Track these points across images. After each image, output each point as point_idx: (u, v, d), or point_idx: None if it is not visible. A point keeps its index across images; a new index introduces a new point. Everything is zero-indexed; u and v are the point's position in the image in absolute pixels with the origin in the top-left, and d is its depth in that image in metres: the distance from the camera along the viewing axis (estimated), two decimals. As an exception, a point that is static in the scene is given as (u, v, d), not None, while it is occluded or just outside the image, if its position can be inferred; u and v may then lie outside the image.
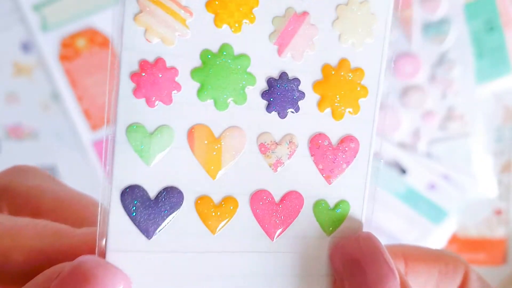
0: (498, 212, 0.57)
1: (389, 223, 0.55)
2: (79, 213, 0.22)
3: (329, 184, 0.21)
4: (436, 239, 0.56)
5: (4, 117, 0.55)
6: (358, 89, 0.21)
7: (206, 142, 0.20)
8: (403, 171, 0.55)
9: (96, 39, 0.55)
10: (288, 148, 0.21)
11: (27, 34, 0.55)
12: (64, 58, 0.55)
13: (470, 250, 0.57)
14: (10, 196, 0.23)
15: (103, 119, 0.51)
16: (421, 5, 0.54)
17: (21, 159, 0.55)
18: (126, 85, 0.19)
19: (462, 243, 0.57)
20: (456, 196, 0.55)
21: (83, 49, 0.55)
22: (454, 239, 0.57)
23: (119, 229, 0.19)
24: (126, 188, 0.19)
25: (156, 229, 0.19)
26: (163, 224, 0.20)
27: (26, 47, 0.55)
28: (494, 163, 0.56)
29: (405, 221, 0.55)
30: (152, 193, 0.19)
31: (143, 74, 0.19)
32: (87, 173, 0.55)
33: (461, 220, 0.56)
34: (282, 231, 0.21)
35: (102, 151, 0.20)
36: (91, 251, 0.19)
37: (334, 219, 0.21)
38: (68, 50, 0.54)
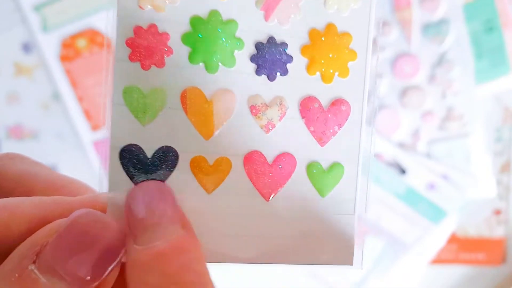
0: (497, 212, 0.57)
1: (388, 223, 0.55)
2: (71, 194, 0.22)
3: (322, 146, 0.22)
4: (436, 239, 0.56)
5: (4, 117, 0.55)
6: (346, 52, 0.21)
7: (198, 103, 0.21)
8: (402, 171, 0.55)
9: (97, 40, 0.55)
10: (278, 110, 0.21)
11: (27, 35, 0.55)
12: (64, 58, 0.55)
13: (469, 250, 0.57)
14: (0, 181, 0.23)
15: (104, 120, 0.51)
16: (420, 5, 0.54)
17: (22, 159, 0.55)
18: (122, 50, 0.20)
19: (461, 243, 0.57)
20: (455, 196, 0.55)
21: (84, 50, 0.55)
22: (453, 239, 0.57)
23: (118, 186, 0.20)
24: (123, 147, 0.20)
25: None
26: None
27: (27, 47, 0.55)
28: (493, 163, 0.56)
29: (405, 221, 0.55)
30: (148, 152, 0.20)
31: (136, 39, 0.20)
32: (88, 173, 0.55)
33: (460, 220, 0.56)
34: (277, 192, 0.21)
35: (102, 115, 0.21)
36: None
37: (328, 181, 0.22)
38: (69, 51, 0.55)
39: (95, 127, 0.55)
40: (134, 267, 0.18)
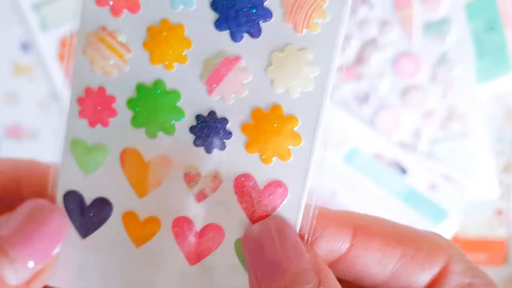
0: (499, 213, 0.57)
1: (389, 223, 0.55)
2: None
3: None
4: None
5: (3, 117, 0.55)
6: (290, 136, 0.21)
7: (135, 164, 0.22)
8: (403, 171, 0.55)
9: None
10: (212, 182, 0.21)
11: (26, 34, 0.54)
12: (63, 57, 0.54)
13: (471, 250, 0.57)
14: None
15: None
16: (422, 4, 0.54)
17: (21, 159, 0.55)
18: (74, 106, 0.22)
19: (463, 244, 0.57)
20: (456, 196, 0.54)
21: (83, 49, 0.55)
22: (455, 239, 0.57)
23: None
24: (67, 192, 0.22)
25: (89, 231, 0.22)
26: (95, 229, 0.22)
27: (26, 46, 0.55)
28: (495, 163, 0.56)
29: (406, 221, 0.55)
30: (88, 200, 0.22)
31: (86, 99, 0.22)
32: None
33: (461, 220, 0.56)
34: (201, 259, 0.22)
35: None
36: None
37: None
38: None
39: (94, 127, 0.55)
40: None
